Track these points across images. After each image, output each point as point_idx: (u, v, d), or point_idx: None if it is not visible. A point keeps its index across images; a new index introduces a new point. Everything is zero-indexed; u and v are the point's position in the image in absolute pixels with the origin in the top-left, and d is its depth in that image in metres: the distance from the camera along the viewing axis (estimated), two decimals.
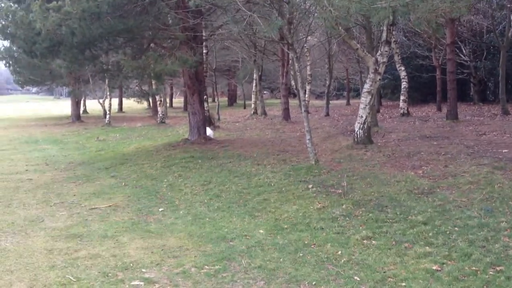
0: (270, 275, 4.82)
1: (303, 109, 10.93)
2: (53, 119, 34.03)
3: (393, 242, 5.51)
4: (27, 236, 6.43)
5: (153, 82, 25.88)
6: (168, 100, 39.50)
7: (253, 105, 28.46)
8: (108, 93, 28.33)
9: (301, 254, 5.35)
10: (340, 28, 11.02)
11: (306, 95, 26.45)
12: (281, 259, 5.23)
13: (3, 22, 12.57)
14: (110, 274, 4.93)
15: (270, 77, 37.25)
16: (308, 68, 28.38)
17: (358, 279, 4.67)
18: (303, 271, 4.90)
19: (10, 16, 11.73)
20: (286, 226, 6.40)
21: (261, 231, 6.28)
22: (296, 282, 4.66)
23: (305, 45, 24.59)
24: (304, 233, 6.08)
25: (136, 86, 27.40)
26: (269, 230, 6.30)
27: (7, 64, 31.35)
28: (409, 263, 4.93)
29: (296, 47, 13.83)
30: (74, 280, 4.81)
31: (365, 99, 11.53)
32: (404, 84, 21.22)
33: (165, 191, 8.90)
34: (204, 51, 17.92)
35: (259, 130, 18.58)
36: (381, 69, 11.39)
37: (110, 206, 7.94)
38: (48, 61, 21.70)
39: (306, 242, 5.75)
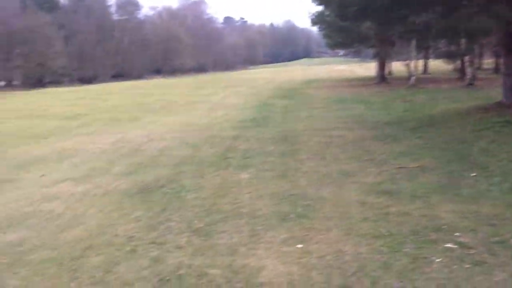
0: None
1: None
2: (359, 80, 35.45)
3: None
4: (340, 188, 6.88)
5: (462, 42, 24.42)
6: (477, 61, 36.72)
7: None
8: (414, 54, 27.92)
9: None
10: None
11: None
12: None
13: None
14: (421, 233, 4.91)
15: None
16: None
17: None
18: None
19: None
20: None
21: None
22: None
23: None
24: None
25: (444, 47, 26.24)
26: None
27: (320, 28, 34.18)
28: None
29: None
30: (386, 234, 4.96)
31: None
32: None
33: (477, 155, 8.34)
34: None
35: None
36: None
37: (417, 166, 7.88)
38: (358, 23, 22.66)
39: None
